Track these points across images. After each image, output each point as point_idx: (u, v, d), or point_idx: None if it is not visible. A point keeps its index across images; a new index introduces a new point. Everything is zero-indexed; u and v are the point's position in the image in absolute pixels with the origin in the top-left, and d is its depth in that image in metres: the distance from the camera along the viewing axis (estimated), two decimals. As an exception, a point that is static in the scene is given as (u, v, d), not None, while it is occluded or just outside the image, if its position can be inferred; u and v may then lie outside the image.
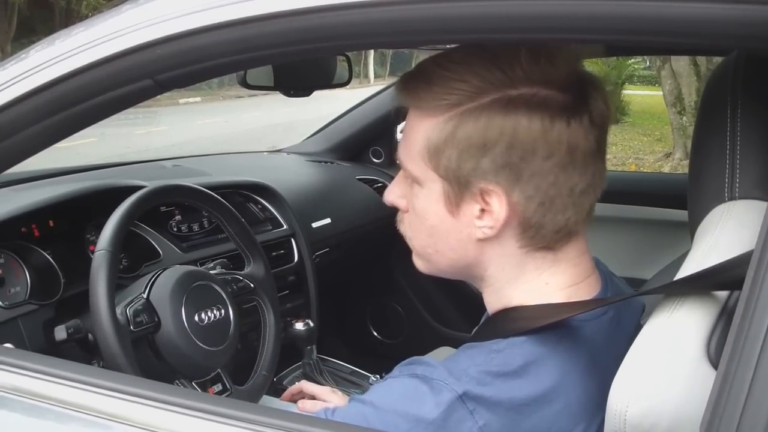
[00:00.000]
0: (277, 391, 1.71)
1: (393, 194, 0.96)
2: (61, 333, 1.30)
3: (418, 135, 0.86)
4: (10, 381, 0.91)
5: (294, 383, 1.73)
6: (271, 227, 1.98)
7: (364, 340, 1.73)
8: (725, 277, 0.70)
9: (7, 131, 0.96)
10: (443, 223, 0.88)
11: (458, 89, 0.82)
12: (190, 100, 19.34)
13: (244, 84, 1.64)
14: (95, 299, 1.14)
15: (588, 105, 0.82)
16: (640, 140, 12.36)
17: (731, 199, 0.81)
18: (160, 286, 1.36)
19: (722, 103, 0.84)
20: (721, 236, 0.78)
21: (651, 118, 14.25)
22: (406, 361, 0.89)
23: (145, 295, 1.32)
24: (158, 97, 0.96)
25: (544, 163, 0.81)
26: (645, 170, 9.35)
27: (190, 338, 1.32)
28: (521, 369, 0.81)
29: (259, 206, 2.01)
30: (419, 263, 0.97)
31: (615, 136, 13.03)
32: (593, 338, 0.86)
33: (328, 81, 1.90)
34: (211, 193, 1.53)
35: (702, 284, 0.73)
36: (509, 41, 0.81)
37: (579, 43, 0.84)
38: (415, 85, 0.86)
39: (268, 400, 1.58)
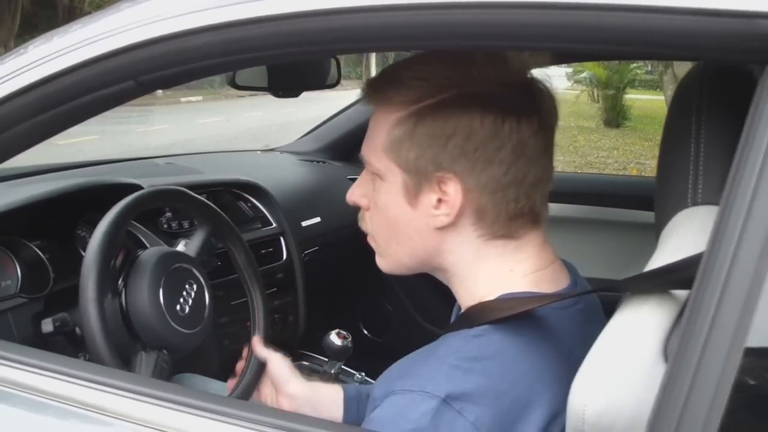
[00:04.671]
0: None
1: (355, 194, 1.02)
2: (47, 326, 1.32)
3: (381, 130, 0.92)
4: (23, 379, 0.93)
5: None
6: (260, 225, 2.00)
7: (354, 338, 1.75)
8: (678, 276, 0.72)
9: (2, 126, 0.98)
10: (403, 214, 0.93)
11: (418, 86, 0.89)
12: (192, 98, 19.33)
13: (233, 84, 1.66)
14: (84, 301, 1.15)
15: (538, 107, 0.89)
16: (641, 145, 12.34)
17: (694, 204, 0.82)
18: (138, 268, 1.34)
19: (689, 110, 0.86)
20: (683, 240, 0.79)
21: (652, 123, 14.23)
22: (382, 377, 0.92)
23: (121, 284, 1.31)
24: (159, 95, 0.97)
25: (497, 154, 0.87)
26: (646, 175, 9.36)
27: (165, 320, 1.31)
28: (495, 354, 0.84)
29: (249, 204, 2.03)
30: (382, 262, 1.01)
31: (617, 140, 13.05)
32: (563, 327, 0.90)
33: (321, 82, 1.92)
34: (203, 199, 1.54)
35: (654, 282, 0.75)
36: (475, 48, 0.86)
37: (527, 49, 0.88)
38: (380, 85, 0.93)
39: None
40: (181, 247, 1.48)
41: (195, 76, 0.92)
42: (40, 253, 1.49)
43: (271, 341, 1.84)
